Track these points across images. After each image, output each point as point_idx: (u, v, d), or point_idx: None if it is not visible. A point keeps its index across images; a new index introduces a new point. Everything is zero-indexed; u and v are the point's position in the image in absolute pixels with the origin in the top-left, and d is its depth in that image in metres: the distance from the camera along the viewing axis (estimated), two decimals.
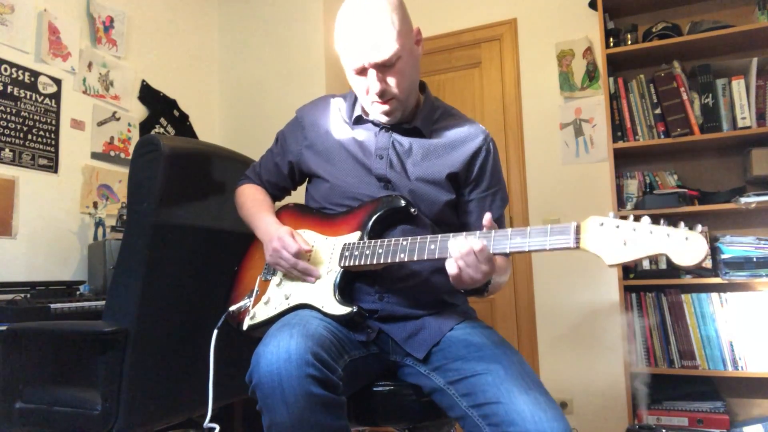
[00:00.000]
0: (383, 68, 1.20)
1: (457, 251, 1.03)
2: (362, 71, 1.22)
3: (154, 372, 1.47)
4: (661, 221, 0.89)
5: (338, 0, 1.28)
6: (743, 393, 2.38)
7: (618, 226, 0.91)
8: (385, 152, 1.29)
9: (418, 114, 1.32)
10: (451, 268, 1.05)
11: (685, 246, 0.86)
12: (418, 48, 1.29)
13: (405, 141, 1.31)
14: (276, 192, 1.50)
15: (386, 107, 1.25)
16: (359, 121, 1.35)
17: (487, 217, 1.06)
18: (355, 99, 1.37)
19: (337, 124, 1.37)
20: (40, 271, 2.34)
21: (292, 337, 0.99)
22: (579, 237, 0.94)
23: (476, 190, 1.32)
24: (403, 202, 1.21)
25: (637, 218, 0.91)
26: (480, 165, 1.31)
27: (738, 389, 2.38)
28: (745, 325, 2.23)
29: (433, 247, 1.09)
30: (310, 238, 1.29)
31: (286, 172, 1.44)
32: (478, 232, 1.07)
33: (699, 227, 0.87)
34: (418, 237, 1.12)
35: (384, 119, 1.29)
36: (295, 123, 1.44)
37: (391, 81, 1.22)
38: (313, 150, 1.36)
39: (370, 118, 1.33)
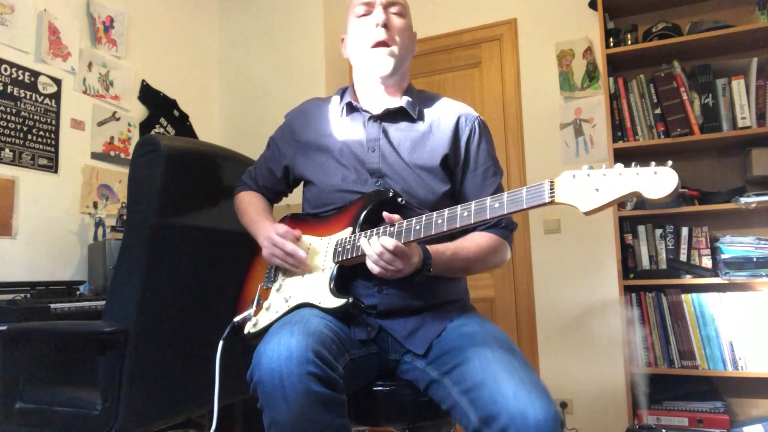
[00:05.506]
0: (390, 6, 1.32)
1: (372, 253, 1.09)
2: (369, 7, 1.31)
3: (154, 372, 1.47)
4: (633, 164, 0.90)
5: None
6: (743, 393, 2.38)
7: (589, 175, 0.93)
8: (376, 144, 1.31)
9: (404, 95, 1.36)
10: (372, 269, 1.11)
11: (655, 179, 0.87)
12: (414, 36, 1.41)
13: (394, 129, 1.33)
14: (272, 196, 1.53)
15: (386, 49, 1.30)
16: (350, 109, 1.37)
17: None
18: (344, 91, 1.42)
19: (326, 123, 1.39)
20: (40, 271, 2.33)
21: (293, 335, 1.00)
22: (553, 192, 0.95)
23: (468, 170, 1.33)
24: (390, 194, 1.23)
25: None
26: (466, 141, 1.33)
27: (738, 389, 2.38)
28: (745, 325, 2.23)
29: (418, 227, 1.10)
30: (306, 241, 1.30)
31: (280, 176, 1.47)
32: (446, 210, 1.10)
33: (669, 162, 0.88)
34: (404, 221, 1.13)
35: (380, 69, 1.31)
36: (285, 127, 1.47)
37: (395, 21, 1.32)
38: (304, 153, 1.39)
39: (367, 70, 1.35)
